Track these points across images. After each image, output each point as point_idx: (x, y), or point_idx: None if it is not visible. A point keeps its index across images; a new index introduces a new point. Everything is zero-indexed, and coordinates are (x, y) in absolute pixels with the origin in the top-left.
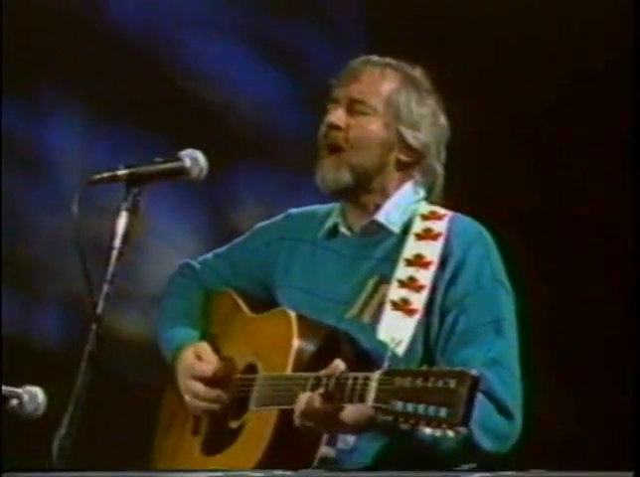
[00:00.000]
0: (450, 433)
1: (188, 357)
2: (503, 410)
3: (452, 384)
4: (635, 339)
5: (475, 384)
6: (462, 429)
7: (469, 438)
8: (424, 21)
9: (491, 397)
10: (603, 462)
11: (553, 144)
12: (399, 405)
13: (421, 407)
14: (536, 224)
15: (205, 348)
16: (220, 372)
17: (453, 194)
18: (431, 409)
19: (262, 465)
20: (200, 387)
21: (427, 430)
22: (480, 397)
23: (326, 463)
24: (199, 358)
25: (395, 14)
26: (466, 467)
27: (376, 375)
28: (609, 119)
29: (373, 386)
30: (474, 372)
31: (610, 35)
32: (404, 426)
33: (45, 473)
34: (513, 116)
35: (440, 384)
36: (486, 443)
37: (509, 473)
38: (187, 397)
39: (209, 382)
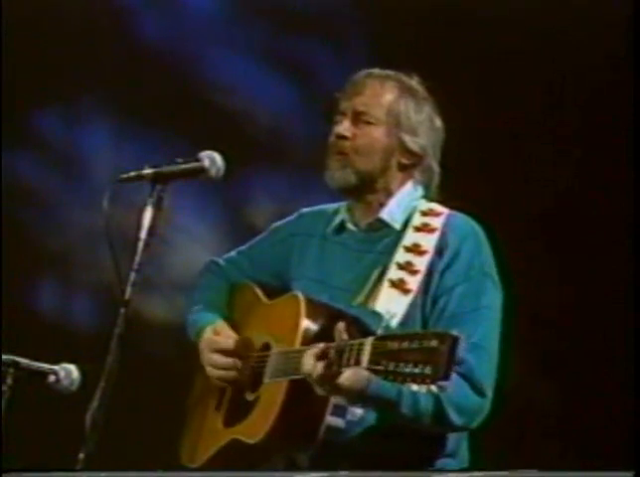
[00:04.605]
0: (434, 388)
1: (207, 333)
2: (478, 390)
3: (434, 343)
4: (635, 338)
5: (455, 342)
6: (444, 383)
7: (444, 417)
8: (424, 24)
9: (469, 378)
10: (603, 462)
11: (551, 143)
12: (389, 366)
13: (409, 366)
14: (530, 219)
15: (223, 325)
16: (235, 344)
17: (449, 191)
18: (417, 368)
19: (274, 432)
20: (218, 357)
21: (414, 387)
22: (457, 379)
23: (333, 432)
24: (217, 333)
25: (396, 26)
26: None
27: (369, 340)
28: (609, 119)
29: (367, 350)
30: (454, 332)
31: (610, 35)
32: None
33: (45, 473)
34: (511, 116)
35: (425, 344)
36: (458, 421)
37: (501, 473)
38: (207, 369)
39: (225, 352)
